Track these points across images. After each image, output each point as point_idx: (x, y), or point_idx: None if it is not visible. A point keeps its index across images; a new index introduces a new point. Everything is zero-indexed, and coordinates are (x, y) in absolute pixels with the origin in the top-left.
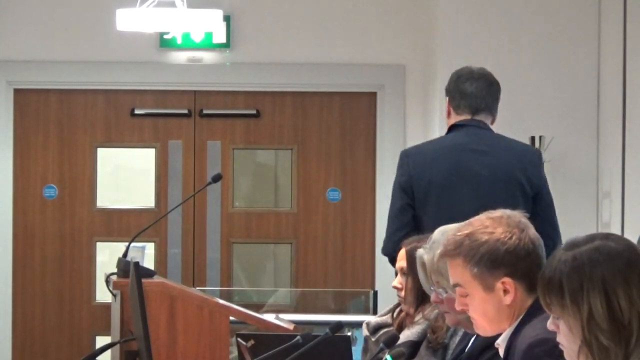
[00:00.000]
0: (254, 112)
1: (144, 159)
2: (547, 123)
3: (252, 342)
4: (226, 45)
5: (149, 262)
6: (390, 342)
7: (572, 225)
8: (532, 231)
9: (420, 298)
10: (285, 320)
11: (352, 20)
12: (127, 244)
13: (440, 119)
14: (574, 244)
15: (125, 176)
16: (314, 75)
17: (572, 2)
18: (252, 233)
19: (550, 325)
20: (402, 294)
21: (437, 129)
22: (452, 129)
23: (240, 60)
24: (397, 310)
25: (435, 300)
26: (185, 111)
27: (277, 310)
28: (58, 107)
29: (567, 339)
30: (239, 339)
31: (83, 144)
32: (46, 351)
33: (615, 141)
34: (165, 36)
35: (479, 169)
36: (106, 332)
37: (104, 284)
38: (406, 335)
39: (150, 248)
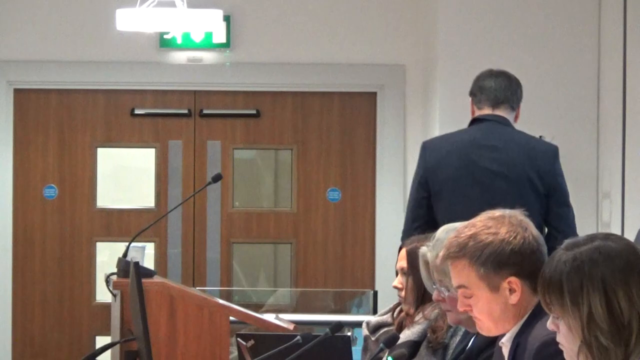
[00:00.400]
0: (254, 112)
1: (144, 159)
2: (547, 123)
3: (252, 342)
4: (226, 45)
5: (149, 262)
6: (390, 341)
7: None
8: (533, 229)
9: (421, 298)
10: (285, 320)
11: (352, 20)
12: (127, 244)
13: (440, 119)
14: (574, 244)
15: (125, 176)
16: (314, 75)
17: (572, 2)
18: (252, 233)
19: (550, 325)
20: (403, 293)
21: (437, 129)
22: (471, 123)
23: (240, 60)
24: (397, 310)
25: (437, 299)
26: (185, 111)
27: (277, 310)
28: (58, 107)
29: (567, 339)
30: (239, 339)
31: (83, 144)
32: (46, 351)
33: (615, 141)
34: (165, 36)
35: (489, 165)
36: (106, 332)
37: (104, 284)
38: (406, 335)
39: (150, 248)
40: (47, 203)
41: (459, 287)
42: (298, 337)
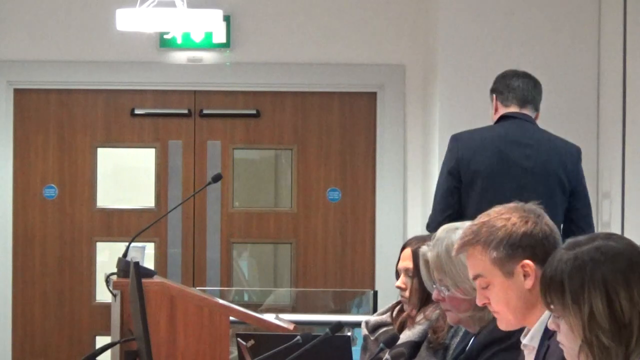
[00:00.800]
0: (254, 112)
1: (144, 159)
2: (547, 123)
3: (252, 342)
4: (226, 45)
5: (149, 262)
6: (390, 342)
7: None
8: (547, 219)
9: (424, 299)
10: (285, 320)
11: (352, 20)
12: (127, 244)
13: (439, 119)
14: (575, 244)
15: (125, 176)
16: (314, 75)
17: (572, 2)
18: (252, 233)
19: (550, 324)
20: (406, 294)
21: (437, 129)
22: (500, 119)
23: (240, 60)
24: (397, 309)
25: (436, 298)
26: (185, 111)
27: (277, 310)
28: (58, 107)
29: (568, 339)
30: (239, 339)
31: (83, 144)
32: (46, 351)
33: (615, 141)
34: (165, 36)
35: (522, 161)
36: (106, 332)
37: (104, 284)
38: (407, 335)
39: (150, 248)
40: (47, 203)
41: (475, 277)
42: (298, 337)
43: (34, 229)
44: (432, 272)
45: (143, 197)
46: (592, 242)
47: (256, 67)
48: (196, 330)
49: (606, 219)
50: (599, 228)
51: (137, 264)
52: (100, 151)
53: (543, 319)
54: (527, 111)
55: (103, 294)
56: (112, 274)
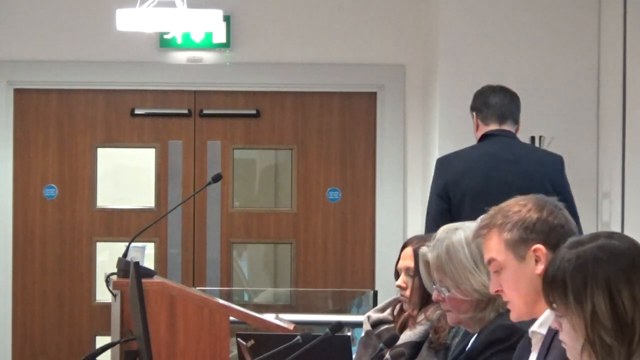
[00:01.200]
0: (254, 112)
1: (144, 159)
2: (547, 123)
3: (252, 342)
4: (226, 45)
5: (149, 262)
6: (391, 341)
7: None
8: (565, 212)
9: (425, 299)
10: (285, 320)
11: (352, 20)
12: (127, 244)
13: (439, 119)
14: (577, 243)
15: (125, 176)
16: (314, 75)
17: (572, 2)
18: (252, 233)
19: (553, 323)
20: (407, 293)
21: (437, 129)
22: (482, 138)
23: (240, 60)
24: (398, 309)
25: (436, 299)
26: (185, 111)
27: (277, 310)
28: (58, 107)
29: (570, 338)
30: (239, 339)
31: (83, 144)
32: (46, 351)
33: (615, 141)
34: (165, 36)
35: (510, 178)
36: (106, 332)
37: (104, 284)
38: (408, 335)
39: (150, 248)
40: (47, 203)
41: (489, 262)
42: (298, 337)
43: (34, 229)
44: (432, 273)
45: (143, 197)
46: (594, 241)
47: (256, 67)
48: (196, 330)
49: (606, 219)
50: (599, 228)
51: (137, 264)
52: (100, 151)
53: None
54: (507, 127)
55: (103, 294)
56: (112, 274)
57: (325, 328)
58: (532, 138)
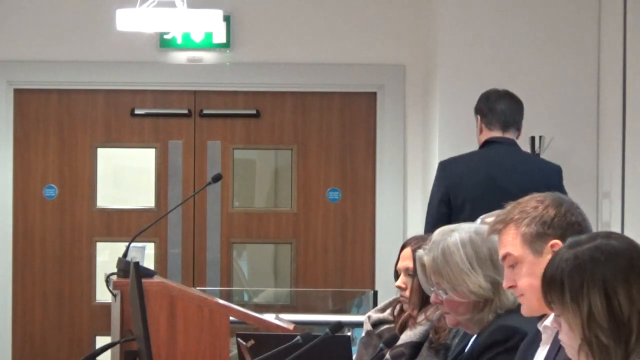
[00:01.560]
0: (254, 112)
1: (144, 159)
2: (547, 123)
3: (252, 342)
4: (226, 45)
5: (149, 262)
6: (391, 341)
7: None
8: (582, 211)
9: (425, 299)
10: (285, 320)
11: (352, 20)
12: (127, 244)
13: (439, 119)
14: (576, 243)
15: (125, 176)
16: (314, 75)
17: (572, 3)
18: (252, 233)
19: (552, 323)
20: (406, 293)
21: (437, 129)
22: (485, 144)
23: (240, 60)
24: (398, 309)
25: (435, 301)
26: (185, 111)
27: (277, 310)
28: (58, 107)
29: (568, 337)
30: (239, 339)
31: (83, 144)
32: (46, 351)
33: (615, 141)
34: (165, 36)
35: (510, 186)
36: (106, 332)
37: (104, 284)
38: (408, 335)
39: (150, 248)
40: (47, 203)
41: (504, 257)
42: (298, 337)
43: (34, 229)
44: (429, 276)
45: (143, 197)
46: (592, 241)
47: (256, 67)
48: (196, 330)
49: (606, 219)
50: (599, 228)
51: (137, 264)
52: (100, 151)
53: None
54: (510, 134)
55: (103, 294)
56: (112, 274)
57: (325, 328)
58: (532, 138)
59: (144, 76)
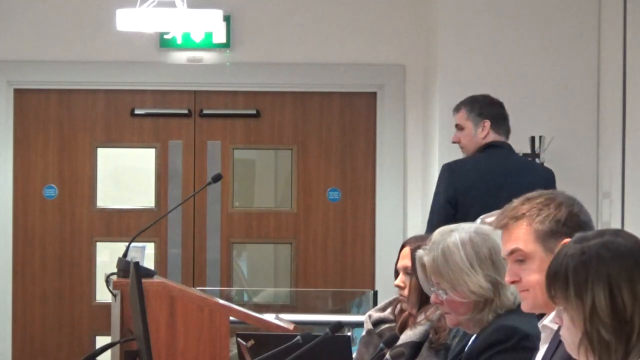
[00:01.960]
0: (254, 112)
1: (144, 159)
2: (547, 123)
3: (252, 342)
4: (226, 45)
5: (149, 262)
6: (391, 341)
7: None
8: (586, 210)
9: (424, 298)
10: (285, 320)
11: (352, 20)
12: (127, 244)
13: (439, 119)
14: (583, 238)
15: (125, 176)
16: (314, 75)
17: (572, 2)
18: (252, 233)
19: (554, 318)
20: (405, 292)
21: (437, 129)
22: (488, 147)
23: (240, 60)
24: (399, 308)
25: (435, 301)
26: (185, 111)
27: (277, 310)
28: (58, 107)
29: (569, 332)
30: (239, 339)
31: (83, 144)
32: (46, 351)
33: (615, 141)
34: (165, 36)
35: (512, 189)
36: (106, 332)
37: (104, 284)
38: (408, 335)
39: (150, 248)
40: (47, 203)
41: (512, 252)
42: (298, 337)
43: (34, 229)
44: (429, 276)
45: (143, 197)
46: (599, 237)
47: (256, 67)
48: (196, 330)
49: (606, 219)
50: (599, 227)
51: (137, 264)
52: (100, 151)
53: None
54: (507, 140)
55: (103, 294)
56: (112, 274)
57: (325, 328)
58: (532, 138)
59: (144, 76)
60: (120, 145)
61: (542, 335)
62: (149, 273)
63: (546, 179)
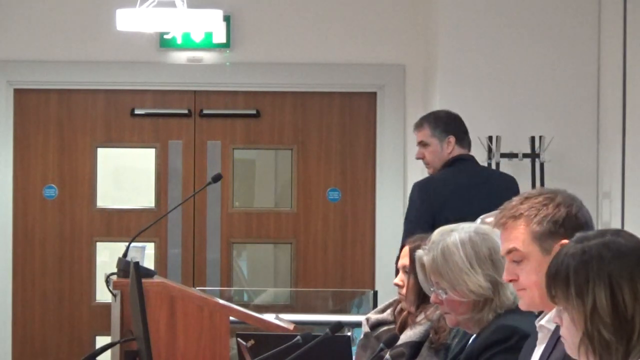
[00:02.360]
0: (254, 112)
1: (144, 159)
2: (547, 123)
3: (252, 342)
4: (226, 45)
5: (149, 262)
6: (391, 341)
7: None
8: (587, 209)
9: (422, 297)
10: (285, 320)
11: (352, 20)
12: (127, 244)
13: None
14: (584, 238)
15: (125, 176)
16: (314, 75)
17: (572, 3)
18: (252, 233)
19: (554, 318)
20: (404, 291)
21: None
22: (455, 161)
23: (240, 60)
24: (398, 308)
25: (435, 301)
26: (185, 111)
27: (277, 310)
28: (58, 107)
29: (570, 332)
30: (239, 339)
31: (83, 144)
32: (46, 351)
33: (615, 141)
34: (165, 36)
35: (483, 201)
36: (106, 332)
37: (104, 284)
38: (408, 335)
39: (150, 248)
40: (47, 203)
41: (509, 252)
42: (298, 337)
43: (34, 229)
44: (429, 276)
45: (143, 197)
46: (600, 237)
47: (256, 67)
48: (196, 330)
49: (606, 219)
50: (599, 227)
51: (137, 264)
52: (100, 151)
53: None
54: (470, 152)
55: (103, 294)
56: (112, 274)
57: (325, 328)
58: (532, 138)
59: (144, 76)
60: (120, 145)
61: (539, 335)
62: (149, 273)
63: (511, 186)
